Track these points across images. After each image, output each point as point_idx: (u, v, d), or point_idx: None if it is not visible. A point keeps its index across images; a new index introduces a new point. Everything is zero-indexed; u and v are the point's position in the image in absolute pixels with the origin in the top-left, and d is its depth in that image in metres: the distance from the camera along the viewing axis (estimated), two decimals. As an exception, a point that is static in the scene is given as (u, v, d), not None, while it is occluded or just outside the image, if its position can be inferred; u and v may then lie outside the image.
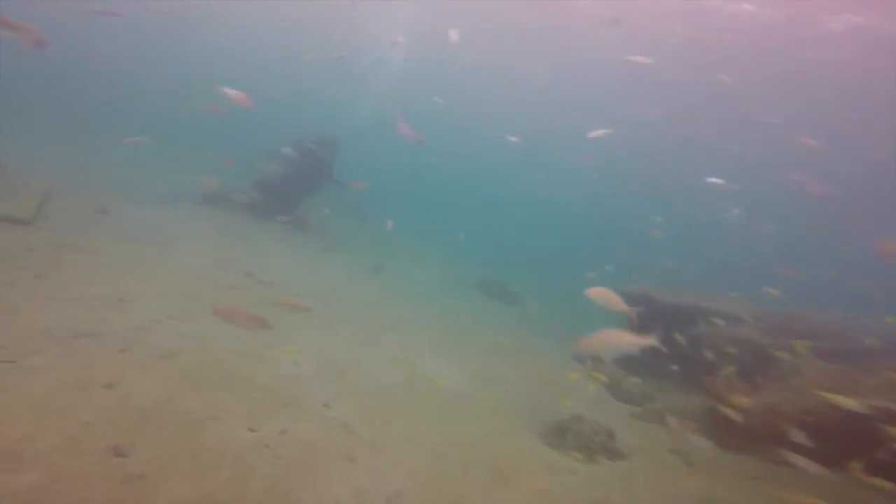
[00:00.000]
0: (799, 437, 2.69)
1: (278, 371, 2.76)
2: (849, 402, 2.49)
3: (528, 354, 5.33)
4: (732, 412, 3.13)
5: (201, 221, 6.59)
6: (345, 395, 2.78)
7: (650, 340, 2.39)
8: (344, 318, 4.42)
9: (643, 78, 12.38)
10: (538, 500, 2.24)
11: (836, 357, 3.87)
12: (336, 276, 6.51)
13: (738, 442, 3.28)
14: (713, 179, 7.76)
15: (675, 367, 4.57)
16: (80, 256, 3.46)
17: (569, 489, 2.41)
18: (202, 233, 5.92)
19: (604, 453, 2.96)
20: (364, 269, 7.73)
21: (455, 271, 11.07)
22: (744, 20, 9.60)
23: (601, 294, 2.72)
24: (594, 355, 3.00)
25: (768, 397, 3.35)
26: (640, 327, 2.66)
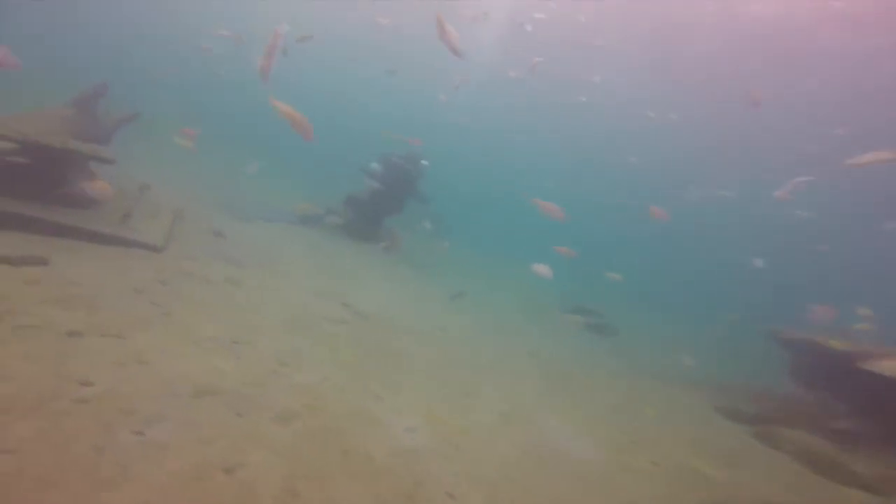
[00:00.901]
0: None
1: (394, 442, 2.38)
2: None
3: (660, 406, 4.36)
4: None
5: (299, 244, 6.73)
6: (468, 479, 2.29)
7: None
8: (439, 362, 3.99)
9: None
10: None
11: None
12: (423, 305, 6.20)
13: None
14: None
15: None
16: (201, 288, 3.48)
17: None
18: (300, 255, 6.01)
19: None
20: (448, 294, 7.37)
21: (538, 293, 10.25)
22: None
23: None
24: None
25: None
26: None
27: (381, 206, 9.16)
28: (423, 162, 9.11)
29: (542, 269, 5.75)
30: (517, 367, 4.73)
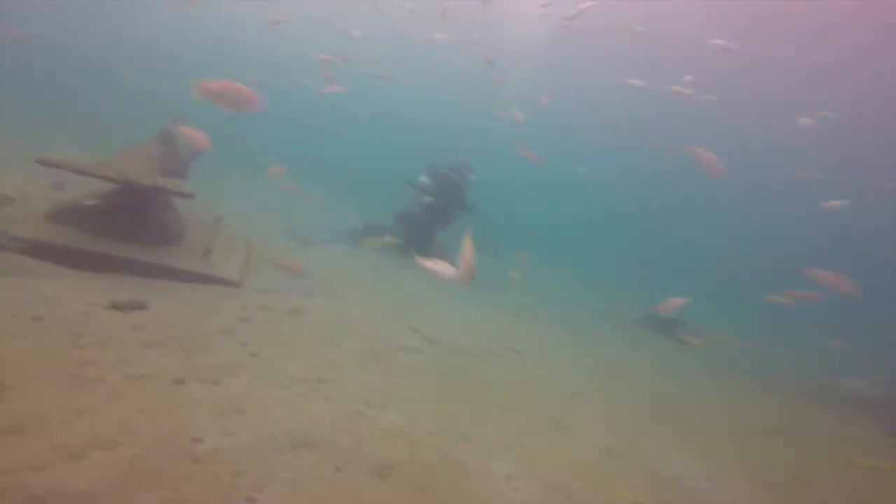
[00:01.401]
0: None
1: (496, 496, 2.18)
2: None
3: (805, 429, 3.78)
4: None
5: (359, 266, 6.82)
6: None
7: None
8: (522, 390, 3.75)
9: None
10: None
11: None
12: (490, 323, 5.99)
13: None
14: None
15: None
16: (279, 323, 3.53)
17: None
18: (362, 279, 6.07)
19: None
20: (512, 309, 7.10)
21: (608, 302, 9.67)
22: None
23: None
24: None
25: None
26: None
27: (432, 219, 9.11)
28: (471, 176, 8.96)
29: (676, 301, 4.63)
30: (606, 390, 4.37)
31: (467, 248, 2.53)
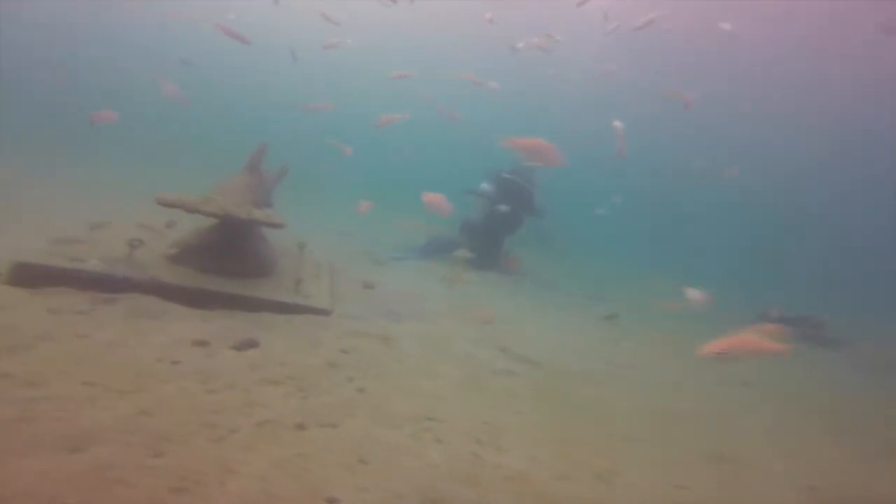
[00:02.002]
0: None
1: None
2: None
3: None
4: None
5: (434, 283, 6.79)
6: None
7: None
8: (644, 415, 3.31)
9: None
10: None
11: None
12: (580, 336, 5.57)
13: None
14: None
15: None
16: (376, 352, 3.51)
17: None
18: (441, 297, 5.99)
19: None
20: (596, 318, 6.59)
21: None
22: None
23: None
24: None
25: None
26: None
27: (497, 227, 8.86)
28: (538, 178, 8.57)
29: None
30: (762, 411, 3.80)
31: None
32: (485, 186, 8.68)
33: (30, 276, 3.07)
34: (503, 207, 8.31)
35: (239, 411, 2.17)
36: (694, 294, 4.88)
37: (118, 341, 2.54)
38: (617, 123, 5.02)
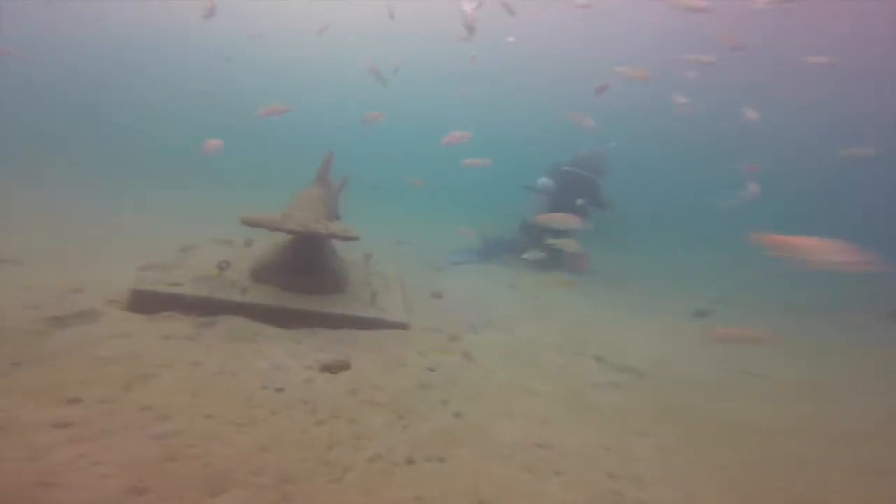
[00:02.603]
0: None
1: None
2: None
3: None
4: None
5: (499, 287, 6.57)
6: None
7: None
8: (810, 435, 2.86)
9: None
10: None
11: None
12: (675, 337, 5.06)
13: None
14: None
15: None
16: (463, 369, 3.36)
17: None
18: (510, 302, 5.77)
19: None
20: (686, 315, 6.03)
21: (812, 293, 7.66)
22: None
23: None
24: None
25: None
26: None
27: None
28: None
29: None
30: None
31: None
32: (544, 181, 8.29)
33: (143, 302, 3.29)
34: (580, 201, 7.84)
35: (349, 445, 2.11)
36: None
37: (225, 368, 2.59)
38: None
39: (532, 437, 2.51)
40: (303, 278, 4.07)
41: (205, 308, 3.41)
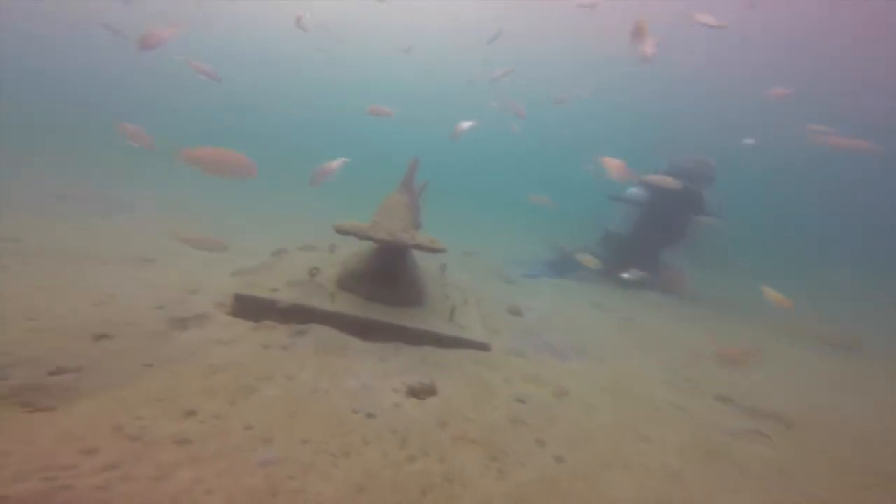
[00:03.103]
0: None
1: None
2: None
3: None
4: None
5: (580, 304, 6.08)
6: None
7: None
8: None
9: None
10: None
11: None
12: (825, 373, 4.23)
13: None
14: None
15: None
16: (558, 404, 3.04)
17: None
18: (595, 321, 5.28)
19: None
20: (831, 342, 4.99)
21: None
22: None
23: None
24: None
25: None
26: None
27: (652, 238, 7.57)
28: (712, 177, 7.00)
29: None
30: None
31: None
32: (634, 191, 7.50)
33: (245, 307, 3.49)
34: (627, 216, 7.00)
35: (443, 491, 1.93)
36: None
37: (317, 385, 2.59)
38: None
39: (658, 495, 2.11)
40: (386, 289, 4.05)
41: (297, 314, 3.53)
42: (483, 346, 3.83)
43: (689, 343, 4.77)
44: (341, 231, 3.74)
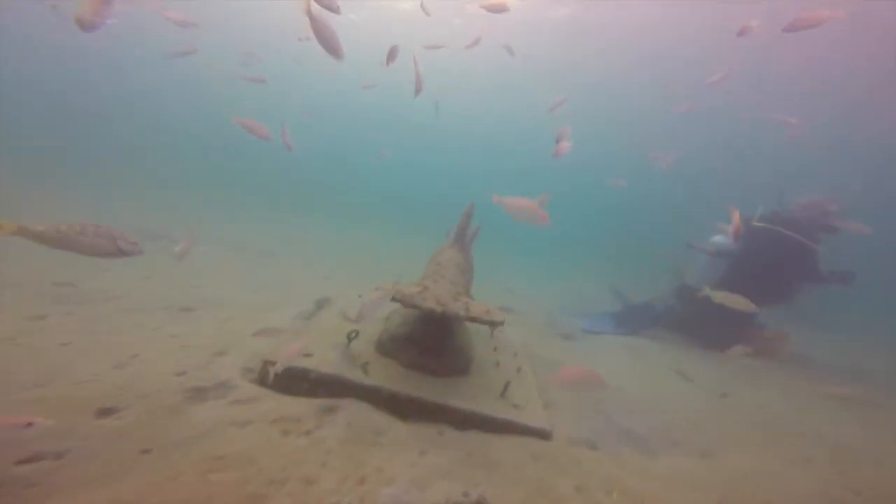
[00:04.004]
0: None
1: None
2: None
3: None
4: None
5: (663, 373, 5.07)
6: None
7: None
8: None
9: None
10: None
11: None
12: None
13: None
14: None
15: None
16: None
17: None
18: (682, 397, 4.28)
19: None
20: None
21: None
22: None
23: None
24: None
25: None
26: None
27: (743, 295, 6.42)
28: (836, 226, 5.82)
29: None
30: None
31: None
32: (719, 239, 6.52)
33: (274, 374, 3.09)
34: (707, 267, 5.92)
35: None
36: None
37: (340, 499, 2.04)
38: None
39: None
40: (429, 359, 3.52)
41: (329, 385, 3.07)
42: (543, 434, 3.09)
43: (824, 431, 3.61)
44: (384, 298, 3.33)
